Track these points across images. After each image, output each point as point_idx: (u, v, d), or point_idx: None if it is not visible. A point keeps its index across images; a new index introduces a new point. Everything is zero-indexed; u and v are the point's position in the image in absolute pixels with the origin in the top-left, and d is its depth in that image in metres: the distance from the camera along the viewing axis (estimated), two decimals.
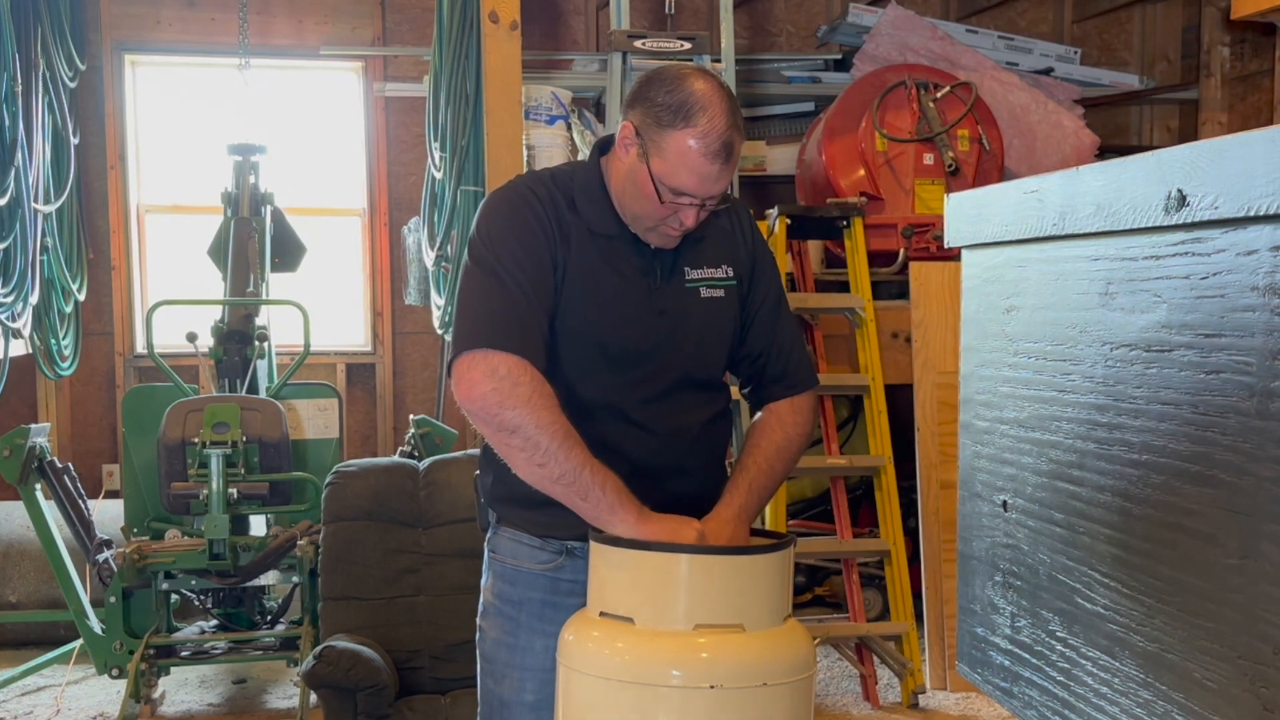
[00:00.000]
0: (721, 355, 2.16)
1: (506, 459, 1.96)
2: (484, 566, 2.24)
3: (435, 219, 4.92)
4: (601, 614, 1.89)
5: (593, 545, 1.93)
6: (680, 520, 1.96)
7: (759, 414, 2.22)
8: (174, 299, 5.38)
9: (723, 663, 1.80)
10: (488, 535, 2.24)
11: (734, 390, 2.29)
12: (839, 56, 6.35)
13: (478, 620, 2.23)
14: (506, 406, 1.89)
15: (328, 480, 3.81)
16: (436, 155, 4.82)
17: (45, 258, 5.63)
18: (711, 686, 1.77)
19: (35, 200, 5.45)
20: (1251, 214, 1.42)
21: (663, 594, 1.83)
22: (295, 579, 4.45)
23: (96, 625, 4.48)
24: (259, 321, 4.98)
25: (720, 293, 2.12)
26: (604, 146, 2.12)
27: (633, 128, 1.99)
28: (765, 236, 4.79)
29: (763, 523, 4.67)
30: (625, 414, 2.05)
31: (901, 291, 5.00)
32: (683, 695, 1.78)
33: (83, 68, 5.85)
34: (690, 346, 2.09)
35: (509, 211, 2.05)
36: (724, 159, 1.95)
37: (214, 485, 4.24)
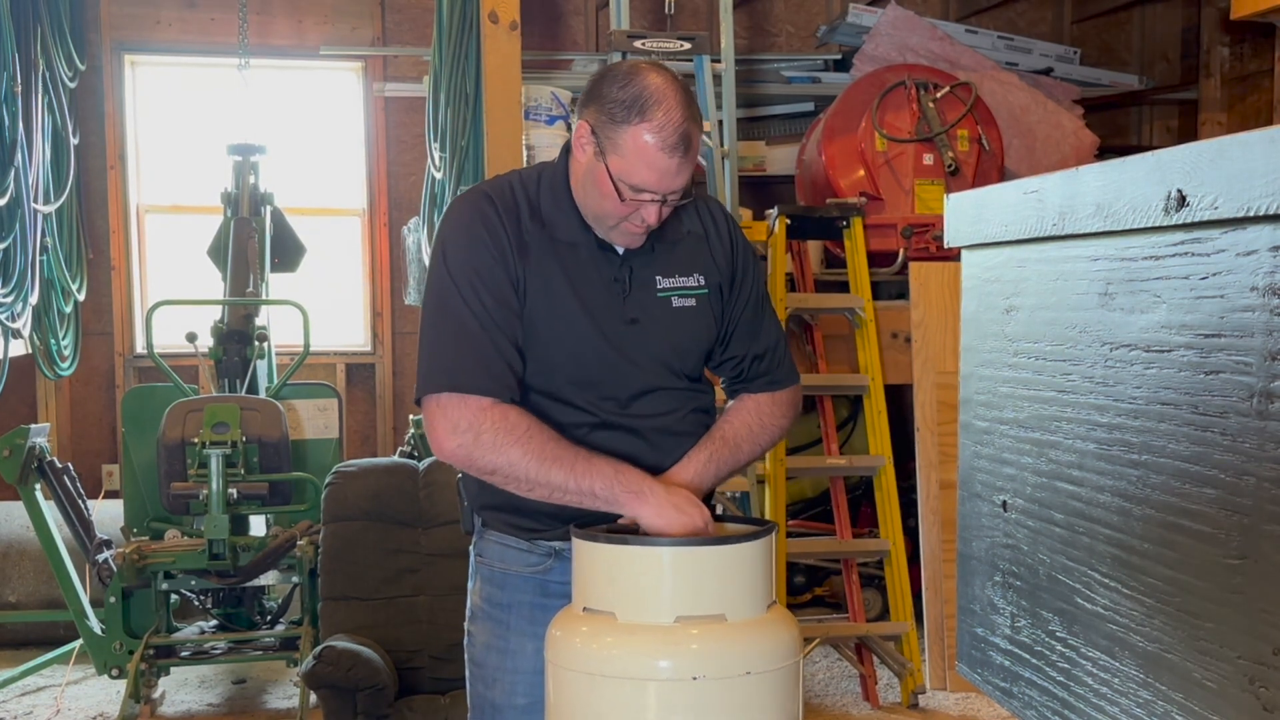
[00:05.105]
0: (697, 356, 2.13)
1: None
2: (470, 571, 2.23)
3: (435, 219, 4.92)
4: (585, 609, 1.88)
5: (574, 541, 1.92)
6: (681, 495, 1.96)
7: (737, 399, 2.20)
8: (174, 299, 5.39)
9: (704, 654, 1.79)
10: (473, 540, 2.22)
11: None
12: (839, 56, 6.35)
13: (465, 625, 2.22)
14: (475, 458, 1.94)
15: (327, 480, 3.81)
16: (436, 155, 4.83)
17: (45, 258, 5.63)
18: (694, 678, 1.77)
19: (35, 200, 5.45)
20: (1251, 214, 1.42)
21: (642, 587, 1.83)
22: (295, 579, 4.45)
23: (96, 625, 4.48)
24: (259, 321, 4.98)
25: (691, 302, 2.08)
26: (570, 146, 2.07)
27: (588, 126, 1.95)
28: (765, 237, 4.83)
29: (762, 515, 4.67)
30: (608, 418, 2.04)
31: (901, 291, 5.00)
32: (665, 688, 1.78)
33: (83, 68, 5.85)
34: (665, 351, 2.07)
35: (466, 231, 2.01)
36: (682, 152, 1.91)
37: (214, 485, 4.24)
